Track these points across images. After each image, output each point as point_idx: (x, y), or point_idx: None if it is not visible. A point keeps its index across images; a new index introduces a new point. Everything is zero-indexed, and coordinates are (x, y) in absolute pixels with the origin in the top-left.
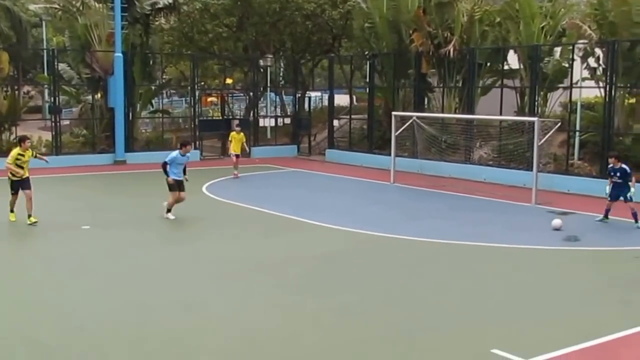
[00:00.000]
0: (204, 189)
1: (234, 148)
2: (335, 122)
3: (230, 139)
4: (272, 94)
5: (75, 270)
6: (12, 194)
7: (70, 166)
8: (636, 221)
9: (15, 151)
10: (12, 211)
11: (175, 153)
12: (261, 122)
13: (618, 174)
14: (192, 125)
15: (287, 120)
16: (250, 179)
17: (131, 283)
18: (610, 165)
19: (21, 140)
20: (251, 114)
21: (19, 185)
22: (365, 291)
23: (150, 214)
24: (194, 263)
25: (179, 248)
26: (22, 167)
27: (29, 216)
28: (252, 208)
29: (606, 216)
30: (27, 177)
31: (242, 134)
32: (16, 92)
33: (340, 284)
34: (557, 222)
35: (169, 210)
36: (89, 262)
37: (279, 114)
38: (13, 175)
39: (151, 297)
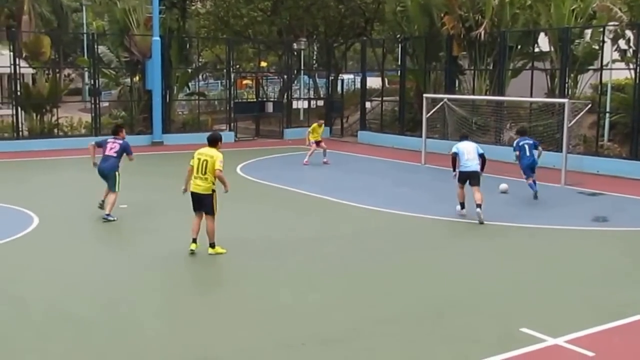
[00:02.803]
0: (237, 169)
1: (313, 137)
2: (368, 104)
3: (310, 130)
4: (306, 77)
5: (107, 247)
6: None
7: None
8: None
9: (220, 155)
10: (194, 241)
11: None
12: (294, 104)
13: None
14: (228, 108)
15: (320, 103)
16: (283, 160)
17: (166, 263)
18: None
19: (217, 140)
20: (285, 97)
21: (199, 200)
22: (395, 268)
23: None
24: (229, 241)
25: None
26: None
27: (211, 245)
28: (284, 188)
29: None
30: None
31: (323, 126)
32: (57, 75)
33: (370, 261)
34: (503, 186)
35: (463, 206)
36: (126, 237)
37: (312, 97)
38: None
39: (183, 274)
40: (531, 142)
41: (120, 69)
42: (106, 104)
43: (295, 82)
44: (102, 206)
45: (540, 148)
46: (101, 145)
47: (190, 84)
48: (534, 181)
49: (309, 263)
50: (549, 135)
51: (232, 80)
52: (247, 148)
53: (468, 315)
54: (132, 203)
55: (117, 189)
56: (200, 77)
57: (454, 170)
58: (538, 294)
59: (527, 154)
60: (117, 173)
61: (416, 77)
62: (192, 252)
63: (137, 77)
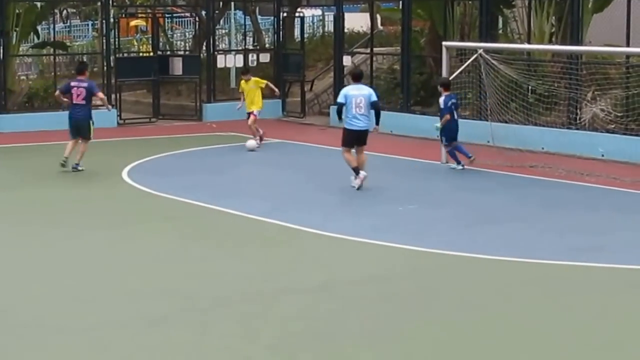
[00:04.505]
0: (124, 174)
1: (248, 104)
2: (347, 61)
3: (240, 90)
4: (239, 14)
5: None
6: None
7: None
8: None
9: None
10: None
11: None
12: (220, 62)
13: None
14: (105, 67)
15: (265, 58)
16: (202, 156)
17: None
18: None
19: None
20: (203, 48)
21: None
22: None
23: (38, 217)
24: (103, 302)
25: (78, 279)
26: None
27: None
28: (204, 206)
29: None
30: None
31: (254, 79)
32: None
33: (364, 336)
34: (251, 143)
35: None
36: None
37: (250, 47)
38: None
39: None
40: (456, 100)
41: None
42: None
43: (222, 22)
44: (65, 163)
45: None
46: (66, 91)
47: (40, 27)
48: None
49: (246, 337)
50: None
51: (113, 20)
52: (140, 137)
53: None
54: None
55: (91, 138)
56: (58, 15)
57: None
58: None
59: (456, 116)
60: (91, 122)
61: (430, 12)
62: None
63: None
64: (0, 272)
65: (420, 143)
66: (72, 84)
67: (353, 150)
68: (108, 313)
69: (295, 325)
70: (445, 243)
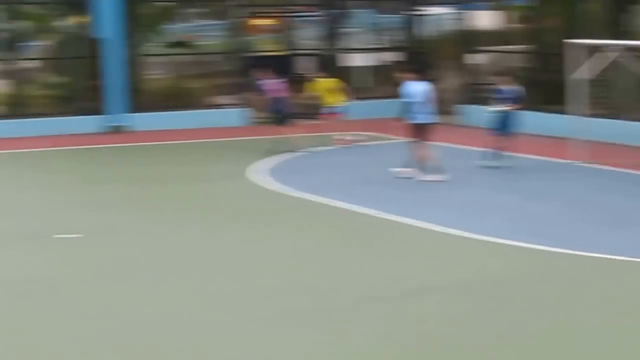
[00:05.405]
0: (247, 171)
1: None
2: (476, 59)
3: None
4: (366, 12)
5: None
6: None
7: (36, 136)
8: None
9: None
10: None
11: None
12: (352, 61)
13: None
14: (239, 67)
15: (394, 57)
16: (330, 156)
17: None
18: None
19: None
20: (332, 47)
21: None
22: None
23: (172, 214)
24: (246, 296)
25: (219, 279)
26: None
27: None
28: (335, 206)
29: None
30: None
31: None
32: None
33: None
34: None
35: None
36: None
37: (377, 46)
38: None
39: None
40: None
41: (55, 3)
42: (29, 63)
43: (350, 21)
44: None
45: None
46: (267, 91)
47: (168, 27)
48: None
49: (384, 341)
50: None
51: (242, 20)
52: (269, 136)
53: None
54: (87, 230)
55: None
56: (187, 15)
57: None
58: None
59: None
60: None
61: (562, 9)
62: None
63: (82, 18)
64: (140, 267)
65: (553, 142)
66: (265, 82)
67: None
68: (244, 309)
69: (430, 326)
70: (584, 244)
